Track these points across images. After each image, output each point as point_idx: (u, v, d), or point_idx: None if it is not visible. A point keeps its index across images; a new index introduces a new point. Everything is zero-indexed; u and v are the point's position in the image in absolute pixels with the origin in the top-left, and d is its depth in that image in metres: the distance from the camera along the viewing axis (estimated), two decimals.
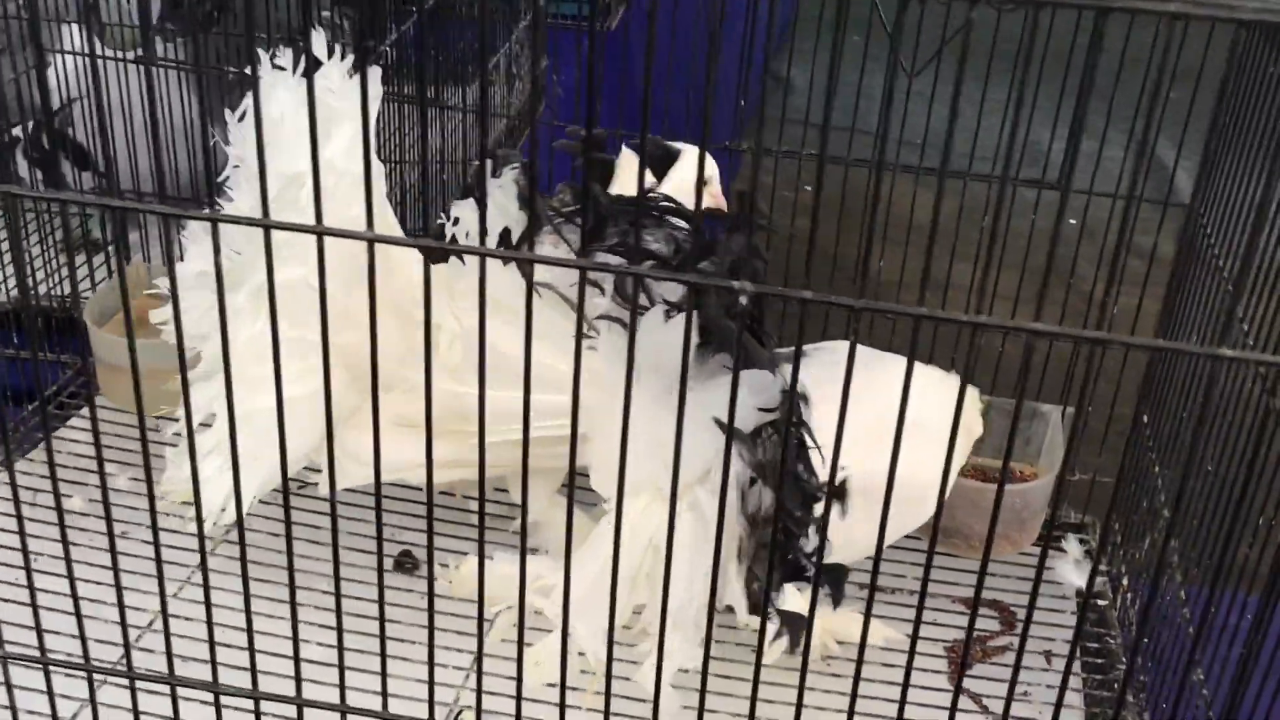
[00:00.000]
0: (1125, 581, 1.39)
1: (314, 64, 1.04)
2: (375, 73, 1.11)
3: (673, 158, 1.16)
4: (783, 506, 0.92)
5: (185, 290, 1.09)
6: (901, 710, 0.79)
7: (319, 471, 1.09)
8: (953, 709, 0.81)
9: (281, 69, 1.03)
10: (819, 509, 0.94)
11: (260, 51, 1.05)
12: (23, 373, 1.55)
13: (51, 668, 0.74)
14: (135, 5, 1.65)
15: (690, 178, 1.22)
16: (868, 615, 0.79)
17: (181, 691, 0.76)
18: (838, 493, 0.90)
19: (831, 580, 0.93)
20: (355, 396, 1.08)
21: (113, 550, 0.71)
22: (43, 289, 1.66)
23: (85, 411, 1.55)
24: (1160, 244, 1.42)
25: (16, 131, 1.69)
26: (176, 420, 0.97)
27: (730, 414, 0.78)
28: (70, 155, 1.72)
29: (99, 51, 1.70)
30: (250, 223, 0.61)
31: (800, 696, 0.78)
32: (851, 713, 0.78)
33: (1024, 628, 0.79)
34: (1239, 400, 1.02)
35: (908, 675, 0.77)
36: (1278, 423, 0.78)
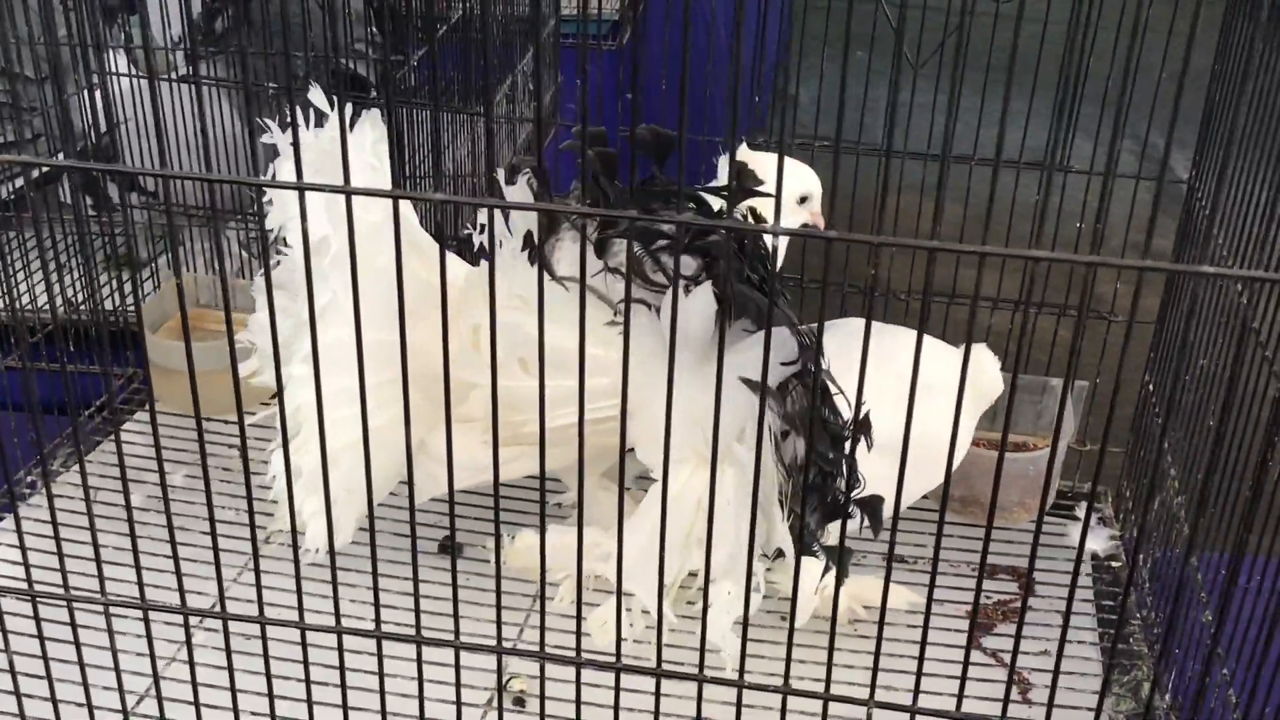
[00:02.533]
0: (1136, 543, 1.46)
1: (320, 117, 1.12)
2: (375, 115, 1.19)
3: (668, 144, 1.18)
4: (814, 450, 0.99)
5: (258, 353, 1.17)
6: (920, 665, 0.85)
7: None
8: (965, 664, 0.87)
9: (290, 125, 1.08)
10: (847, 449, 1.02)
11: (267, 122, 1.13)
12: (57, 385, 1.62)
13: (151, 612, 0.82)
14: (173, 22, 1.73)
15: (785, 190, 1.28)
16: (887, 578, 0.85)
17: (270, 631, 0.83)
18: (862, 427, 0.97)
19: (869, 511, 0.99)
20: (430, 410, 1.14)
21: (209, 506, 0.79)
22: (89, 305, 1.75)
23: (139, 415, 1.63)
24: (1157, 243, 1.49)
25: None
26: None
27: (763, 373, 0.85)
28: (118, 180, 1.80)
29: (138, 75, 1.79)
30: (332, 189, 0.69)
31: (831, 650, 0.84)
32: (875, 668, 0.84)
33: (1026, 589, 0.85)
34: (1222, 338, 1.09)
35: (925, 634, 0.83)
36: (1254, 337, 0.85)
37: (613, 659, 0.82)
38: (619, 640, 0.83)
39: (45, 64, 1.74)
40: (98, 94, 1.61)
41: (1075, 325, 0.70)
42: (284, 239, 1.15)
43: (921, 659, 0.84)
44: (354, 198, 1.00)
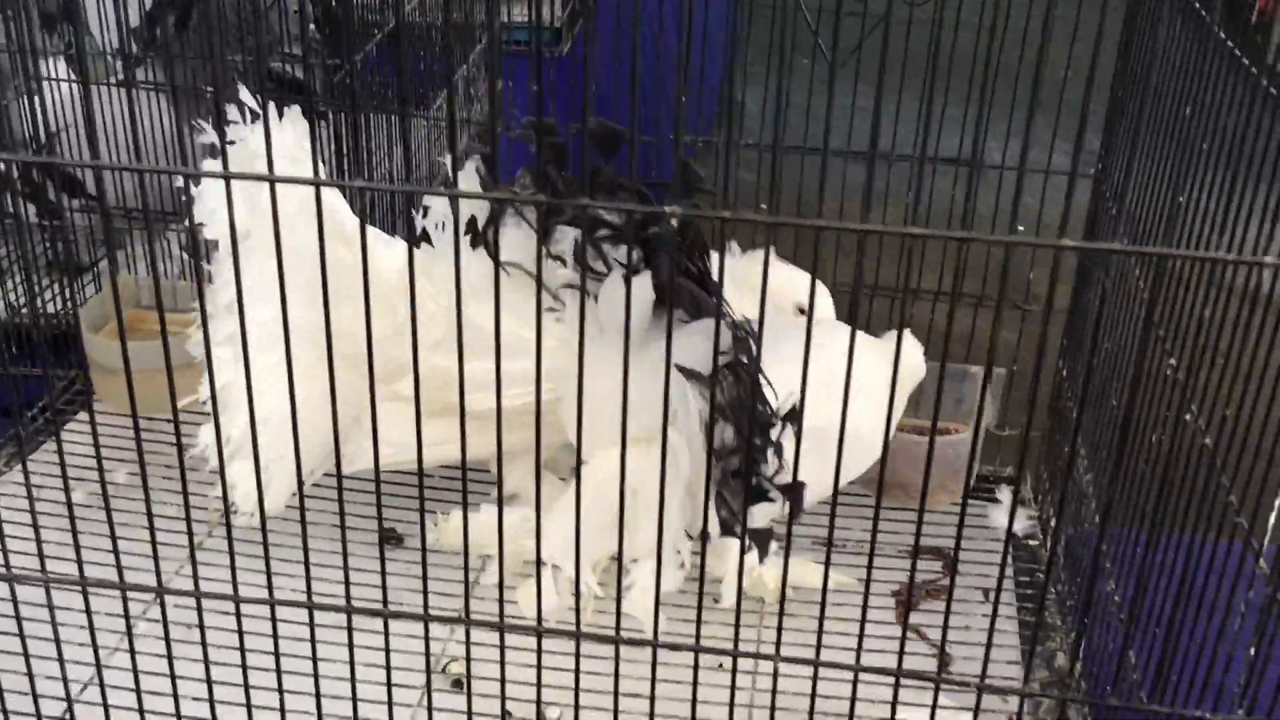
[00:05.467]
0: (1053, 523, 1.54)
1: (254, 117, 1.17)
2: (296, 112, 1.23)
3: (617, 139, 1.22)
4: (742, 437, 1.05)
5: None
6: (862, 630, 0.91)
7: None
8: (902, 639, 0.95)
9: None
10: (774, 436, 1.08)
11: (200, 122, 1.16)
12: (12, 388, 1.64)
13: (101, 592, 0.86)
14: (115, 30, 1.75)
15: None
16: (828, 559, 0.91)
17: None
18: (791, 416, 1.02)
19: (791, 496, 1.04)
20: (365, 387, 1.17)
21: (184, 478, 0.83)
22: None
23: (83, 416, 1.65)
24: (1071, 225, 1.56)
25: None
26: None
27: (667, 365, 0.89)
28: (59, 183, 1.82)
29: (76, 80, 1.81)
30: (257, 178, 0.75)
31: (780, 624, 0.90)
32: (819, 647, 0.91)
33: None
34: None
35: (865, 605, 0.90)
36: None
37: (572, 628, 0.88)
38: (578, 610, 0.89)
39: None
40: (36, 100, 1.63)
41: (994, 312, 0.76)
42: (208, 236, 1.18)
43: (863, 629, 0.90)
44: (276, 189, 1.05)
